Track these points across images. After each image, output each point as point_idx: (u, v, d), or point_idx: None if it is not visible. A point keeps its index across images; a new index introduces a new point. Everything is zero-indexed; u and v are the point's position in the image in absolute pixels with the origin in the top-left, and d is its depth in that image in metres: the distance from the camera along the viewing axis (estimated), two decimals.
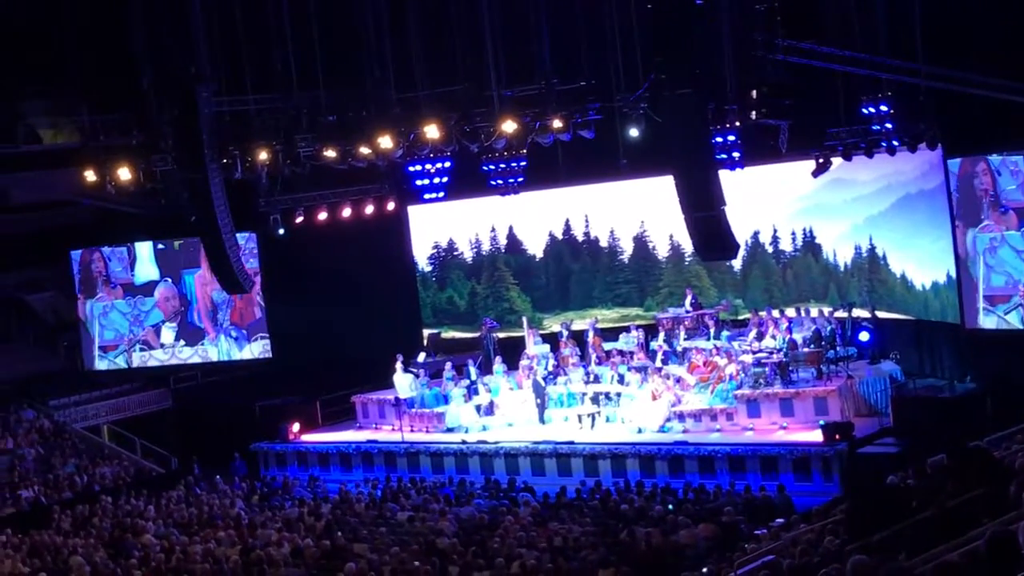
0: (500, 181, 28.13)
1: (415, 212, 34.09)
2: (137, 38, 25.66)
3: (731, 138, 24.42)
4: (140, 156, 25.93)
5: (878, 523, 10.28)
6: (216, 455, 30.20)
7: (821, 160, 26.22)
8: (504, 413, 28.68)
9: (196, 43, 23.73)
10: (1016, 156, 23.71)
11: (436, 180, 28.39)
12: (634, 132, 23.62)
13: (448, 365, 30.06)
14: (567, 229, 33.37)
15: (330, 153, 24.82)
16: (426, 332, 34.06)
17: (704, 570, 16.08)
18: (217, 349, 35.25)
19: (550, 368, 28.92)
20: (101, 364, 35.55)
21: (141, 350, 35.43)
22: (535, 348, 29.83)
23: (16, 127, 30.92)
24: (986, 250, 24.45)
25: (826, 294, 29.83)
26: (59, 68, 27.09)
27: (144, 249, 35.31)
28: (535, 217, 33.22)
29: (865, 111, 23.73)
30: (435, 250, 34.92)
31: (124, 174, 25.78)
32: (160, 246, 35.19)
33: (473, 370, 29.43)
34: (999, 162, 24.00)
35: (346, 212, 31.71)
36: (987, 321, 24.60)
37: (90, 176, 26.22)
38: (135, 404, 35.33)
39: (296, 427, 30.63)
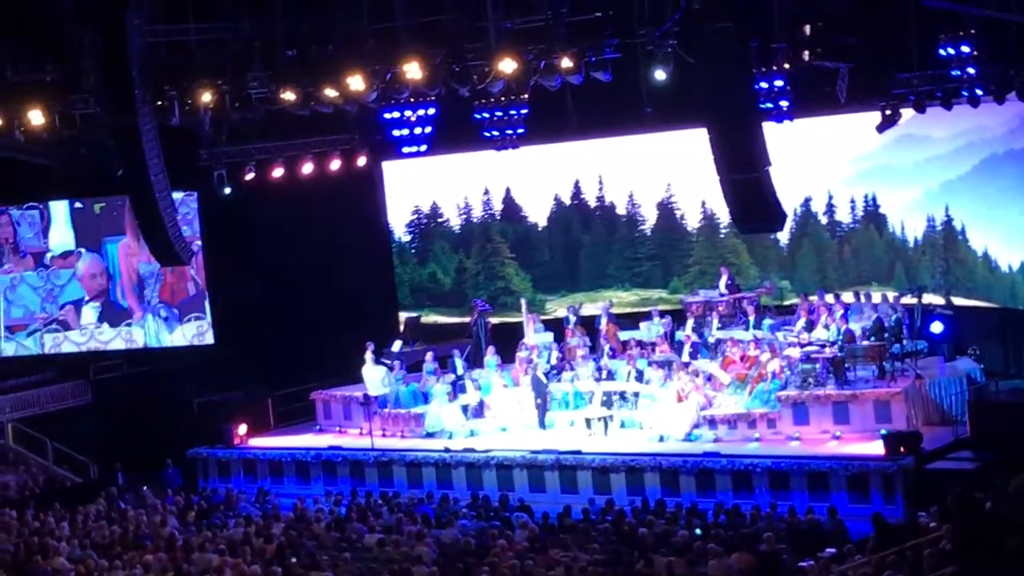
0: (496, 132, 28.15)
1: (391, 169, 34.11)
2: None
3: (779, 83, 24.37)
4: (56, 96, 25.81)
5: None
6: (145, 462, 30.18)
7: (888, 112, 26.19)
8: (496, 415, 28.72)
9: None
10: None
11: (417, 130, 28.41)
12: (660, 75, 23.51)
13: (429, 356, 30.06)
14: (576, 192, 33.39)
15: (288, 95, 24.73)
16: (403, 316, 34.08)
17: None
18: (144, 331, 35.39)
19: (553, 361, 28.95)
20: (7, 347, 35.57)
21: (54, 331, 35.49)
22: (536, 337, 29.86)
23: None
24: None
25: (891, 275, 29.87)
26: None
27: (59, 210, 35.36)
28: (538, 177, 33.25)
29: (943, 52, 23.67)
30: (415, 216, 34.95)
31: (36, 117, 25.66)
32: (78, 206, 35.22)
33: (459, 363, 29.46)
34: None
35: (307, 168, 31.67)
36: None
37: None
38: (47, 398, 35.29)
39: (243, 429, 30.65)
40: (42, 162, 32.50)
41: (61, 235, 35.52)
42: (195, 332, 35.12)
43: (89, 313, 35.57)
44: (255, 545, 22.89)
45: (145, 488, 28.18)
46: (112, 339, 35.57)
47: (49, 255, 35.64)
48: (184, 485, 29.37)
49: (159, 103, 24.27)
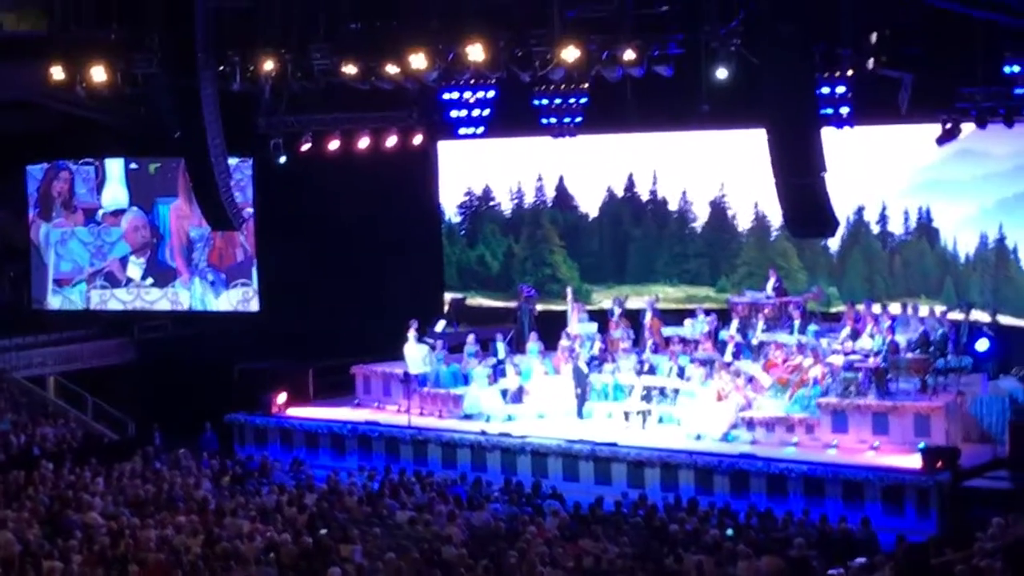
0: (553, 119, 28.10)
1: (446, 149, 34.08)
2: None
3: (840, 89, 24.26)
4: (119, 54, 25.94)
5: None
6: (183, 424, 30.33)
7: (949, 125, 25.94)
8: (535, 402, 28.71)
9: None
10: None
11: (475, 112, 28.42)
12: (722, 73, 23.48)
13: (471, 338, 30.12)
14: (630, 185, 33.30)
15: (350, 69, 24.80)
16: (448, 296, 34.12)
17: None
18: (190, 293, 35.69)
19: (595, 352, 28.91)
20: (54, 300, 35.90)
21: (102, 287, 35.78)
22: (579, 327, 29.84)
23: None
24: None
25: (940, 290, 29.68)
26: None
27: (115, 168, 35.65)
28: (592, 167, 33.17)
29: (1007, 70, 23.48)
30: (467, 198, 34.92)
31: (98, 74, 25.81)
32: (133, 166, 35.47)
33: (502, 347, 29.49)
34: None
35: (363, 143, 31.72)
36: None
37: (57, 73, 26.28)
38: (90, 354, 35.53)
39: (282, 398, 30.76)
40: (101, 119, 32.77)
41: (114, 193, 35.79)
42: (240, 298, 35.33)
43: (134, 269, 35.85)
44: (287, 514, 22.98)
45: (182, 450, 28.26)
46: (158, 300, 35.83)
47: (101, 212, 35.96)
48: (220, 450, 29.49)
49: (221, 68, 24.42)
